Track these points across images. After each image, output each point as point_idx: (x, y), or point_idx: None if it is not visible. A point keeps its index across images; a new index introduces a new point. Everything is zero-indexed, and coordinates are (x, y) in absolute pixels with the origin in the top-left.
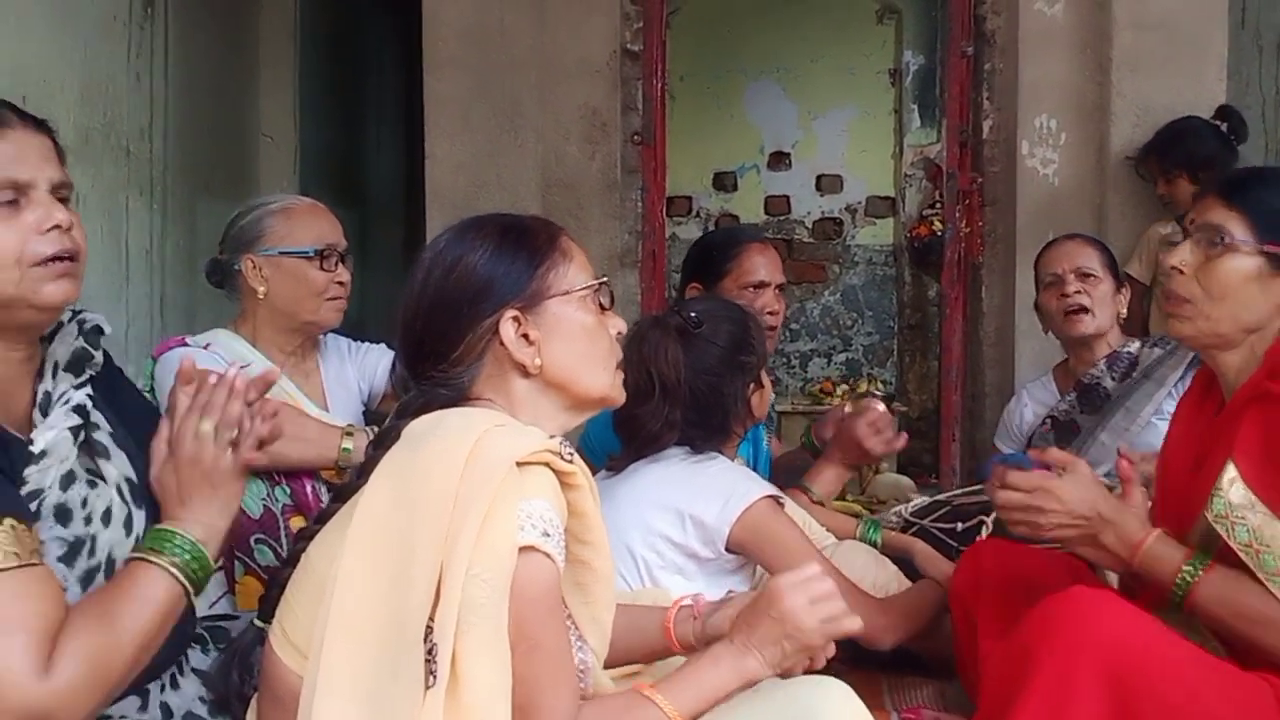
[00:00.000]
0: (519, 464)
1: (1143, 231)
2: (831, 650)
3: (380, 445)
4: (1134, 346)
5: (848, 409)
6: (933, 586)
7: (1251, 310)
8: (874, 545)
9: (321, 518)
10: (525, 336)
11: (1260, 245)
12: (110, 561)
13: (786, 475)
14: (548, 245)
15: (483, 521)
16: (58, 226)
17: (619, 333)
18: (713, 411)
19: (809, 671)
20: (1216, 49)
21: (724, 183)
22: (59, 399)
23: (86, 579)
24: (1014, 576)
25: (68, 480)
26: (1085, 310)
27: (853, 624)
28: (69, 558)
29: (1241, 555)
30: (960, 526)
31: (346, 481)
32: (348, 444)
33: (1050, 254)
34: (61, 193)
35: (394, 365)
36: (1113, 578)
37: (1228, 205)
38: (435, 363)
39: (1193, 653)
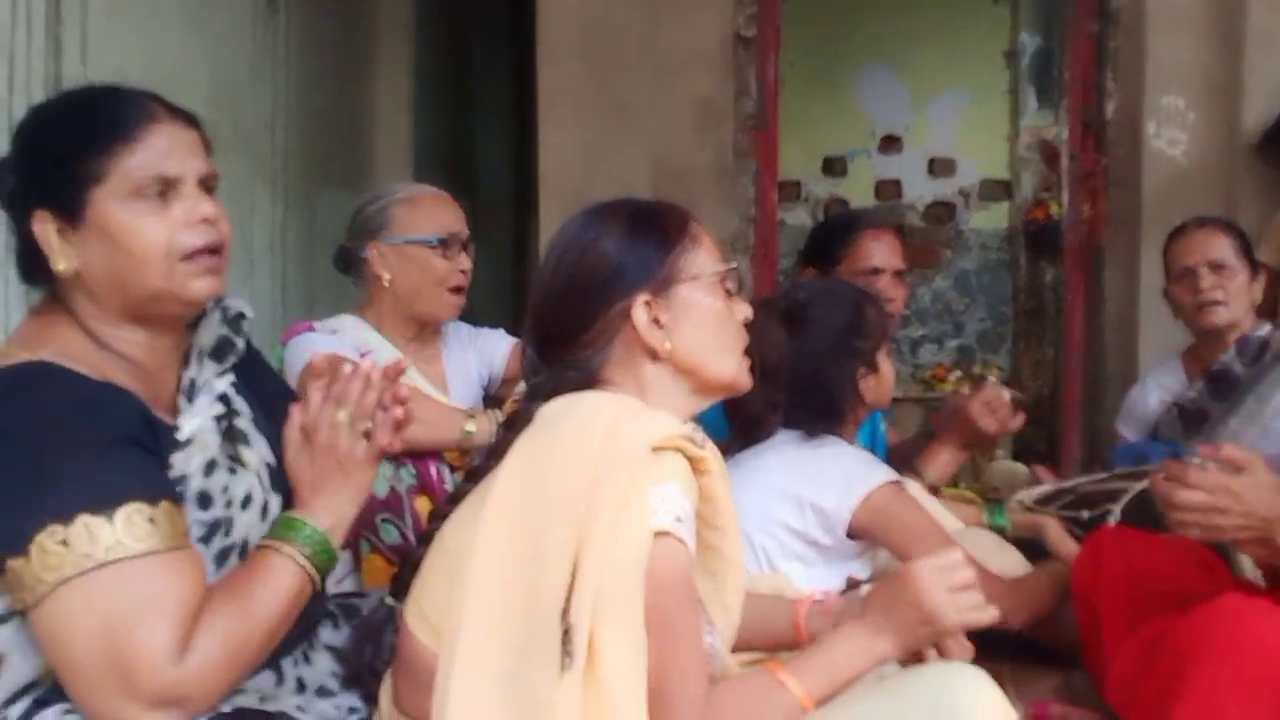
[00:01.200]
0: (653, 448)
1: (1275, 214)
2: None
3: (512, 428)
4: (1264, 330)
5: (967, 394)
6: (1059, 568)
7: None
8: (999, 530)
9: (454, 498)
10: (656, 320)
11: None
12: (245, 543)
13: (901, 462)
14: (678, 230)
15: (618, 506)
16: (206, 220)
17: (745, 318)
18: (816, 395)
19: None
20: None
21: (834, 168)
22: (203, 386)
23: (221, 556)
24: (1138, 568)
25: (210, 468)
26: (1220, 303)
27: (989, 615)
28: (206, 538)
29: None
30: (1087, 515)
31: (473, 463)
32: (470, 426)
33: (1181, 244)
34: (209, 184)
35: (525, 349)
36: (1246, 563)
37: None
38: (565, 346)
39: None
